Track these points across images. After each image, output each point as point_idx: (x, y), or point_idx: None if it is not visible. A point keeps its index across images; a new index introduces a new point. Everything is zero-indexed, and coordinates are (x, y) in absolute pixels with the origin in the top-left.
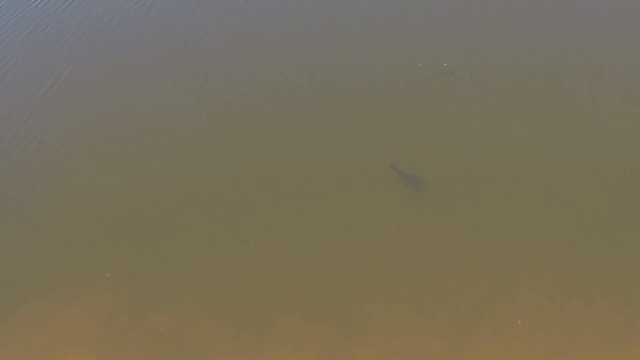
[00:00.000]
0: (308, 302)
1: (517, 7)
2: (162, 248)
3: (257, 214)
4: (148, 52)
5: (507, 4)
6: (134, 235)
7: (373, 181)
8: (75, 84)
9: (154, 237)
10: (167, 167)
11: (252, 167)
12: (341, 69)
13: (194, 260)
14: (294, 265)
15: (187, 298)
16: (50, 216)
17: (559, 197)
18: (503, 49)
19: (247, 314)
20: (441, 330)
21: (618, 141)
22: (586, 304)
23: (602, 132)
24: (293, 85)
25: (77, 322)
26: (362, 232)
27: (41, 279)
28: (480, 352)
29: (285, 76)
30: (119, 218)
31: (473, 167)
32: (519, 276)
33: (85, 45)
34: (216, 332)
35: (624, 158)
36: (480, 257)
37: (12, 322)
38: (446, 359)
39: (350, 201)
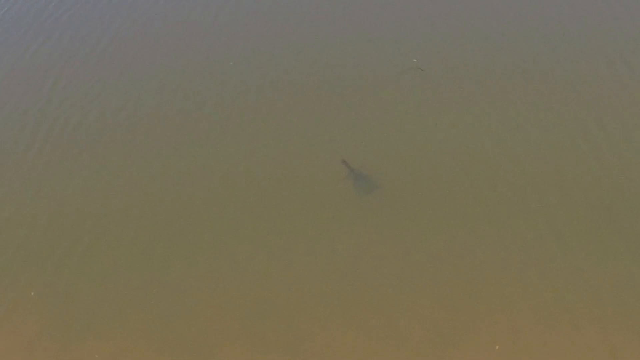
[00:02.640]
0: (254, 328)
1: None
2: (93, 267)
3: (195, 227)
4: None
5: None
6: (63, 250)
7: (326, 185)
8: None
9: (84, 254)
10: (100, 174)
11: (189, 175)
12: (299, 61)
13: (128, 281)
14: (237, 287)
15: (121, 323)
16: None
17: (534, 205)
18: (474, 45)
19: (187, 341)
20: (410, 358)
21: (603, 140)
22: (571, 327)
23: (582, 131)
24: (240, 77)
25: None
26: (313, 246)
27: None
28: None
29: (232, 66)
30: (46, 230)
31: (436, 171)
32: (493, 296)
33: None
34: None
35: (610, 162)
36: (449, 275)
37: None
38: None
39: (301, 210)
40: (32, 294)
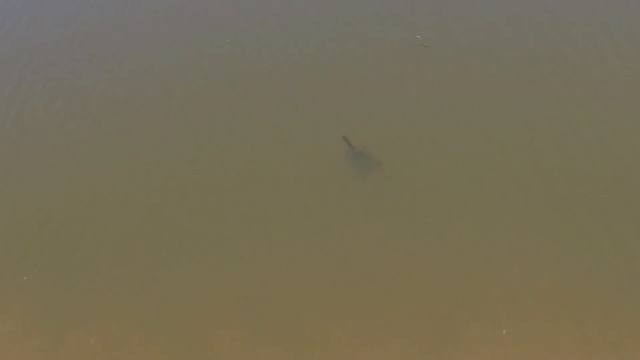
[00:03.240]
0: (250, 316)
1: None
2: (87, 251)
3: (190, 213)
4: None
5: None
6: (54, 233)
7: (325, 165)
8: None
9: (78, 238)
10: (92, 157)
11: (182, 157)
12: (299, 37)
13: (124, 266)
14: (233, 273)
15: (117, 309)
16: None
17: (539, 189)
18: (481, 20)
19: (183, 328)
20: (412, 346)
21: (613, 124)
22: (577, 312)
23: (597, 112)
24: (239, 54)
25: None
26: (310, 230)
27: None
28: None
29: (228, 43)
30: (37, 211)
31: (440, 152)
32: (498, 281)
33: None
34: (145, 352)
35: (620, 147)
36: (453, 260)
37: None
38: None
39: (297, 192)
40: (24, 278)
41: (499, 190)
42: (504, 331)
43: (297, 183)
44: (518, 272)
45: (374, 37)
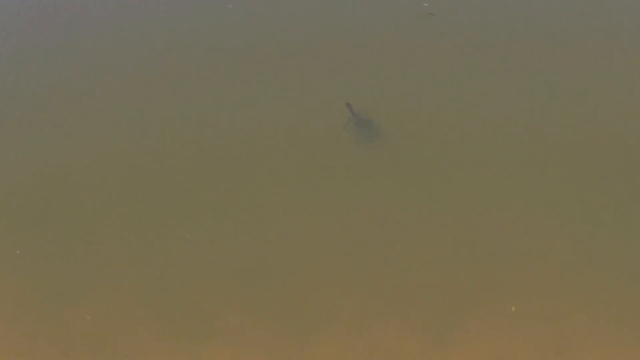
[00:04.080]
0: (251, 290)
1: None
2: (81, 223)
3: (189, 184)
4: None
5: None
6: (48, 205)
7: (328, 133)
8: None
9: (71, 210)
10: (87, 126)
11: (183, 126)
12: (304, 5)
13: (119, 240)
14: (233, 245)
15: (113, 284)
16: None
17: (552, 155)
18: None
19: (181, 303)
20: (420, 322)
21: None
22: (592, 284)
23: (608, 89)
24: (240, 20)
25: None
26: (312, 201)
27: None
28: (468, 347)
29: (231, 9)
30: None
31: (445, 121)
32: (509, 253)
33: None
34: (144, 329)
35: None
36: (460, 231)
37: None
38: (427, 357)
39: (299, 161)
40: (17, 252)
41: (508, 158)
42: (513, 308)
43: (299, 150)
44: (528, 246)
45: (380, 3)
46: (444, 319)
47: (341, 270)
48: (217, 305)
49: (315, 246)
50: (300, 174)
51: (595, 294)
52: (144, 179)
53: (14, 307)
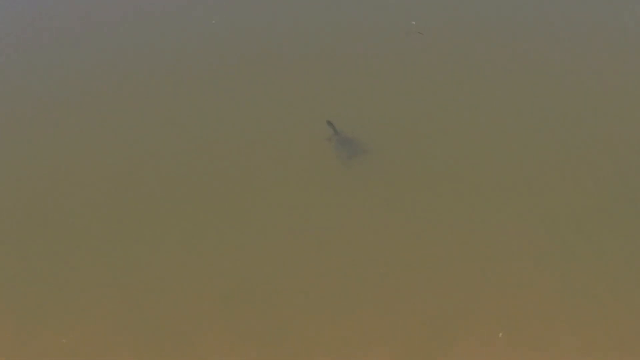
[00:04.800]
0: (233, 312)
1: None
2: (54, 243)
3: (166, 200)
4: None
5: None
6: (18, 223)
7: (311, 152)
8: None
9: (44, 228)
10: (60, 143)
11: (162, 138)
12: (288, 20)
13: (95, 259)
14: (213, 266)
15: (89, 306)
16: None
17: (543, 180)
18: (475, 8)
19: (160, 326)
20: (404, 348)
21: (618, 115)
22: (581, 314)
23: (600, 102)
24: (227, 35)
25: None
26: (295, 222)
27: None
28: None
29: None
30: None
31: (430, 140)
32: (496, 278)
33: None
34: (122, 353)
35: (626, 139)
36: (446, 254)
37: None
38: None
39: (282, 181)
40: None
41: (494, 177)
42: (500, 334)
43: (281, 169)
44: (516, 270)
45: (367, 22)
46: (429, 345)
47: (321, 296)
48: (199, 330)
49: (295, 269)
50: (282, 194)
51: (585, 321)
52: (121, 200)
53: None
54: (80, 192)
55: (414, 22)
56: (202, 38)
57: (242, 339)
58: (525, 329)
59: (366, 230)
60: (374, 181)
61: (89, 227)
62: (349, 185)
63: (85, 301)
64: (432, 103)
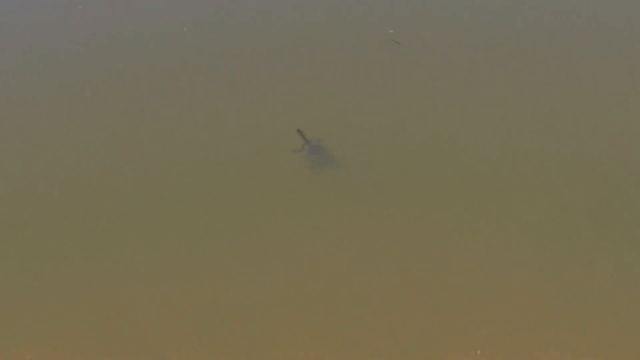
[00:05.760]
0: (203, 330)
1: None
2: (19, 258)
3: (136, 217)
4: None
5: None
6: None
7: (281, 162)
8: None
9: (8, 243)
10: (29, 159)
11: (128, 154)
12: (261, 27)
13: (62, 276)
14: (184, 283)
15: (55, 322)
16: None
17: (516, 191)
18: (451, 19)
19: (129, 344)
20: None
21: (596, 126)
22: (559, 332)
23: (574, 111)
24: (197, 42)
25: None
26: (266, 233)
27: None
28: None
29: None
30: None
31: (403, 149)
32: (471, 293)
33: None
34: None
35: (605, 153)
36: (419, 267)
37: None
38: None
39: (252, 192)
40: None
41: (467, 186)
42: (479, 351)
43: (251, 180)
44: (495, 286)
45: (345, 29)
46: None
47: (295, 309)
48: (166, 345)
49: (266, 284)
50: (252, 206)
51: (562, 338)
52: (93, 215)
53: None
54: (50, 209)
55: (391, 31)
56: (172, 46)
57: (213, 354)
58: (502, 346)
59: (339, 240)
60: (345, 189)
61: (56, 244)
62: (321, 194)
63: (50, 316)
64: (402, 110)
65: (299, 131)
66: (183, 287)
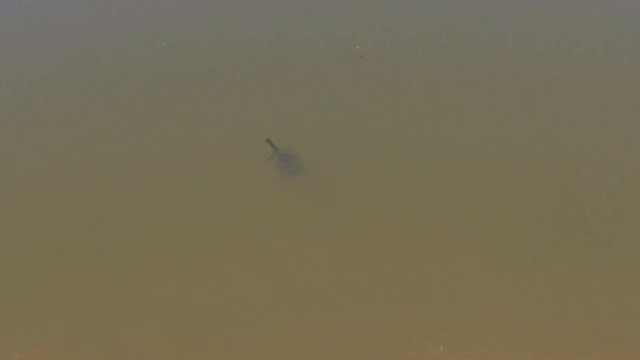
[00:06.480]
0: (180, 332)
1: None
2: (6, 262)
3: (114, 225)
4: None
5: None
6: None
7: (250, 170)
8: None
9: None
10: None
11: (105, 162)
12: (231, 40)
13: (46, 279)
14: (161, 288)
15: (39, 324)
16: None
17: (477, 194)
18: (417, 32)
19: (109, 345)
20: None
21: (558, 132)
22: (518, 328)
23: (534, 116)
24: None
25: None
26: (238, 239)
27: None
28: None
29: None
30: None
31: (369, 157)
32: (435, 294)
33: None
34: None
35: (566, 155)
36: (385, 270)
37: None
38: None
39: (222, 199)
40: None
41: (432, 191)
42: (442, 347)
43: (222, 187)
44: (458, 285)
45: (312, 42)
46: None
47: (266, 311)
48: (144, 347)
49: (240, 286)
50: (223, 213)
51: (525, 334)
52: (75, 218)
53: None
54: (34, 208)
55: (357, 47)
56: (147, 59)
57: (191, 357)
58: (465, 342)
59: (309, 244)
60: (313, 195)
61: (41, 248)
62: (290, 199)
63: (39, 316)
64: (367, 119)
65: (268, 140)
66: (158, 291)
